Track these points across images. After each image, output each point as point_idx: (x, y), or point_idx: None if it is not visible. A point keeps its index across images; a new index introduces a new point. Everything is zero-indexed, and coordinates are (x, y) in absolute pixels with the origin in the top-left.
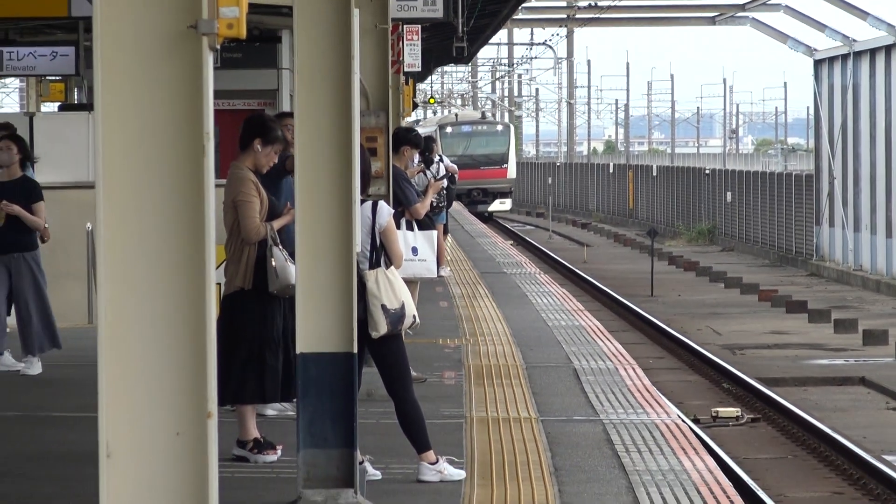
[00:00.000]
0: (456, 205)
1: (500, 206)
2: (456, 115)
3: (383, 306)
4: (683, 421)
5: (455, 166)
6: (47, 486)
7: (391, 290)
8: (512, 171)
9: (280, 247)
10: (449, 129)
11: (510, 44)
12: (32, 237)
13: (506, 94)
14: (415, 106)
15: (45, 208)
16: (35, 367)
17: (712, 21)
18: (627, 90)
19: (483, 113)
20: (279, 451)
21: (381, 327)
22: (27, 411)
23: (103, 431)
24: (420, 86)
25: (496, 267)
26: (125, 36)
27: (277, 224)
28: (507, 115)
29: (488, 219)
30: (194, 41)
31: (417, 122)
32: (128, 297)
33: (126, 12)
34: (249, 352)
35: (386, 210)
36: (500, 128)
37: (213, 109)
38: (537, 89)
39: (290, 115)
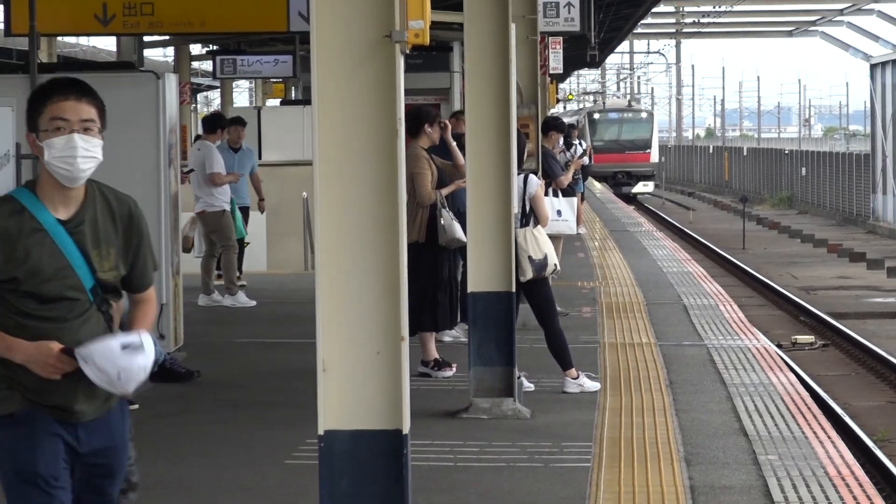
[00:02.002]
0: (599, 186)
1: (643, 188)
2: (604, 103)
3: (529, 257)
4: (770, 346)
5: (591, 148)
6: (276, 396)
7: (536, 244)
8: (655, 155)
9: (447, 208)
10: (597, 116)
11: (631, 52)
12: None
13: (627, 92)
14: (557, 101)
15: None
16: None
17: (790, 34)
18: (723, 88)
19: (629, 101)
20: (454, 369)
21: (528, 273)
22: (259, 338)
23: (320, 351)
24: (561, 85)
25: (621, 226)
26: (335, 44)
27: (445, 191)
28: None
29: (633, 199)
30: (389, 47)
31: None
32: (340, 249)
33: (336, 26)
34: (424, 292)
35: (535, 181)
36: (644, 115)
37: (403, 102)
38: (652, 88)
39: (461, 112)
